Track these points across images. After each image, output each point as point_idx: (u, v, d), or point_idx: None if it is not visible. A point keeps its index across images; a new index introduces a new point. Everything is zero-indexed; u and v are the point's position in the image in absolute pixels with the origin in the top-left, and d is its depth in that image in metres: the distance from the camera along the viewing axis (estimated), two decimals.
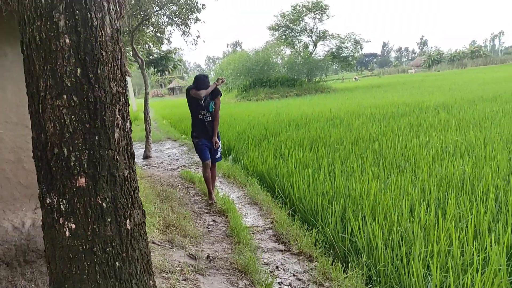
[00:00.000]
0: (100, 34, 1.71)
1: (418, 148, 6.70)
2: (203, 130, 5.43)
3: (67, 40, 1.65)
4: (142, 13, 9.27)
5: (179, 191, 6.30)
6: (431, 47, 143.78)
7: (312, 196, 4.77)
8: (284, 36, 38.91)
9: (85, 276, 1.77)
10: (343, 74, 64.75)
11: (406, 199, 4.16)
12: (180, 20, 9.54)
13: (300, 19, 37.74)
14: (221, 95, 5.51)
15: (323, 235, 4.12)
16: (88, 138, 1.72)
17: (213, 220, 4.99)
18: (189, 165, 8.70)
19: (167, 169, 8.48)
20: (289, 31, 38.75)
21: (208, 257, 3.81)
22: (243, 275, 3.52)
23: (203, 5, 9.14)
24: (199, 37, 9.62)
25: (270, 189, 6.11)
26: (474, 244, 3.21)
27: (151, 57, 19.98)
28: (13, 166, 3.57)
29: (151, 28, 10.82)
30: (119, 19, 1.89)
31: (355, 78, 59.27)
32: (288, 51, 40.27)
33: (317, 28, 38.77)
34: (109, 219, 1.80)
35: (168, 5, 8.94)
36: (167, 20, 9.56)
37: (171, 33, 13.85)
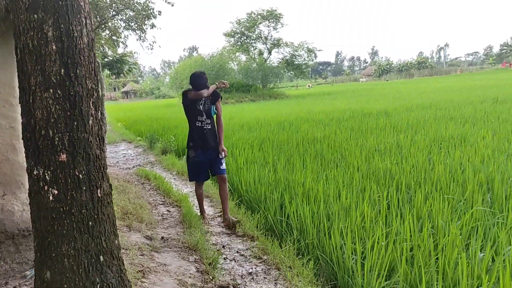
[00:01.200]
0: (79, 42, 2.21)
1: (355, 148, 7.49)
2: (202, 140, 4.75)
3: (54, 47, 2.14)
4: (98, 17, 9.58)
5: (135, 186, 6.72)
6: (382, 57, 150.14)
7: (257, 187, 5.39)
8: (239, 43, 39.72)
9: (64, 232, 2.25)
10: (297, 82, 66.46)
11: (335, 187, 4.85)
12: (136, 25, 9.91)
13: (255, 26, 38.72)
14: (221, 98, 4.96)
15: (265, 219, 4.73)
16: (68, 123, 2.21)
17: (167, 210, 5.47)
18: (144, 165, 9.08)
19: (123, 168, 8.82)
20: (245, 38, 39.62)
21: (162, 238, 4.31)
22: (193, 252, 4.05)
23: (159, 11, 9.57)
24: (155, 42, 10.05)
25: None
26: (384, 221, 3.92)
27: (106, 59, 19.98)
28: None
29: (107, 31, 11.09)
30: (93, 30, 2.39)
31: (309, 86, 61.09)
32: (243, 57, 41.14)
33: (271, 36, 39.94)
34: (84, 188, 2.29)
35: (125, 10, 9.30)
36: (123, 24, 9.91)
37: (127, 37, 14.10)
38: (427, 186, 4.72)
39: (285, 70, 40.67)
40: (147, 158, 9.94)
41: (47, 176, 2.22)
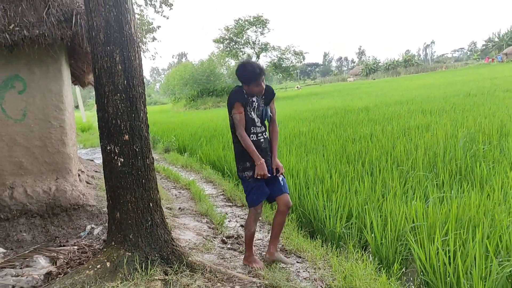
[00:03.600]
0: (134, 63, 3.44)
1: (334, 138, 8.76)
2: (261, 156, 3.45)
3: (120, 67, 3.36)
4: None
5: None
6: (369, 57, 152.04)
7: None
8: (228, 48, 41.01)
9: (128, 186, 3.46)
10: (286, 84, 67.84)
11: (313, 165, 6.10)
12: (139, 39, 11.10)
13: (243, 32, 40.03)
14: (275, 95, 3.67)
15: None
16: (129, 115, 3.42)
17: (179, 192, 6.69)
18: None
19: None
20: (233, 43, 40.91)
21: (179, 208, 5.54)
22: (204, 216, 5.28)
23: (159, 26, 10.79)
24: (157, 53, 11.26)
25: (221, 171, 7.89)
26: (349, 185, 5.18)
27: None
28: (40, 150, 5.08)
29: None
30: (140, 55, 3.62)
31: (297, 87, 62.45)
32: (232, 62, 42.38)
33: (259, 41, 41.25)
34: (139, 157, 3.50)
35: None
36: None
37: None
38: (386, 162, 5.98)
39: (274, 73, 42.04)
40: None
41: (116, 150, 3.43)
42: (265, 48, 41.19)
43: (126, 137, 3.44)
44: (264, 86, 3.46)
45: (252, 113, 3.52)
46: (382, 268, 3.32)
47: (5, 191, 4.88)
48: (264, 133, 3.58)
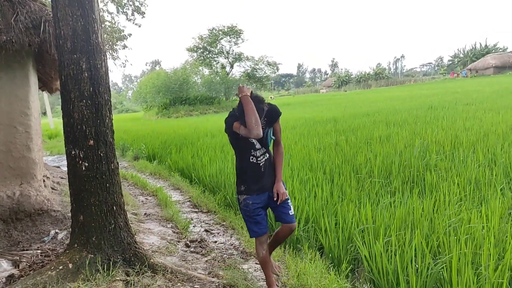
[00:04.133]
0: (100, 71, 3.58)
1: (300, 147, 9.03)
2: (258, 180, 3.19)
3: (86, 74, 3.49)
4: None
5: None
6: (342, 69, 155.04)
7: (218, 177, 6.79)
8: (202, 57, 41.18)
9: (92, 189, 3.57)
10: (260, 94, 68.19)
11: None
12: (108, 46, 11.16)
13: (217, 41, 40.33)
14: (280, 115, 3.25)
15: (224, 198, 6.13)
16: (94, 121, 3.55)
17: (146, 199, 6.78)
18: (120, 169, 10.27)
19: None
20: (207, 52, 41.13)
21: (145, 214, 5.64)
22: (169, 221, 5.40)
23: (130, 34, 10.87)
24: (127, 61, 11.32)
25: (189, 179, 8.02)
26: (309, 191, 5.42)
27: None
28: (4, 154, 5.10)
29: None
30: (107, 63, 3.77)
31: (271, 97, 63.06)
32: (206, 71, 42.54)
33: (233, 51, 41.63)
34: (104, 162, 3.62)
35: None
36: None
37: None
38: (345, 170, 6.28)
39: (247, 83, 42.42)
40: (121, 164, 11.12)
41: (81, 154, 3.55)
42: (238, 58, 41.58)
43: (91, 142, 3.56)
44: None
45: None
46: (333, 267, 3.55)
47: None
48: (265, 155, 3.19)
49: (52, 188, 6.26)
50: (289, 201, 3.29)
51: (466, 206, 4.22)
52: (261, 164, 3.19)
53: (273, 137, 3.27)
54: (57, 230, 5.05)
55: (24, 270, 3.93)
